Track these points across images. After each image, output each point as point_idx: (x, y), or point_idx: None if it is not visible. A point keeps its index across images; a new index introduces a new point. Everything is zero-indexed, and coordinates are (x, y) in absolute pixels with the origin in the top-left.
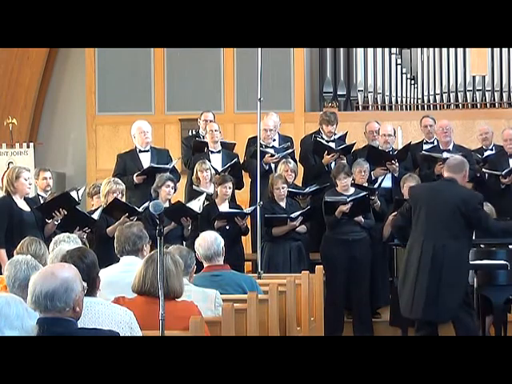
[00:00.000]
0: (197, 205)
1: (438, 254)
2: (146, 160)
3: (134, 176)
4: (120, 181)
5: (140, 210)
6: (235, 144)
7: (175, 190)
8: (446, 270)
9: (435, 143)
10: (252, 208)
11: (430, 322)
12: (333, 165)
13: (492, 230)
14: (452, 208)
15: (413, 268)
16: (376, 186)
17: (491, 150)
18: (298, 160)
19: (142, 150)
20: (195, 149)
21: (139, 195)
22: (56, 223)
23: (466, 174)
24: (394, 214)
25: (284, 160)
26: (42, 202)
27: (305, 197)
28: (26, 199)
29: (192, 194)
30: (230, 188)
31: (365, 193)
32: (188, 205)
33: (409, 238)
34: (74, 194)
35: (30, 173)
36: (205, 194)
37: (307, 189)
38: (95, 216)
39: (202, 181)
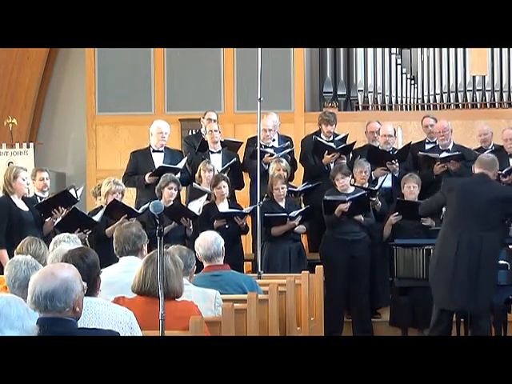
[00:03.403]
0: (197, 206)
1: (475, 246)
2: (158, 160)
3: (146, 176)
4: (120, 181)
5: (139, 211)
6: (242, 143)
7: (179, 192)
8: (484, 262)
9: (437, 143)
10: (251, 207)
11: (449, 317)
12: (332, 165)
13: None
14: (489, 202)
15: (449, 260)
16: (377, 187)
17: (491, 149)
18: (298, 160)
19: (156, 149)
20: (201, 147)
21: (149, 195)
22: (55, 221)
23: (496, 173)
24: (394, 214)
25: (276, 159)
26: (39, 201)
27: (297, 195)
28: (24, 199)
29: (193, 192)
30: (224, 187)
31: (364, 192)
32: (189, 205)
33: (440, 230)
34: (72, 191)
35: (28, 172)
36: (206, 195)
37: (299, 187)
38: (97, 217)
39: (204, 180)
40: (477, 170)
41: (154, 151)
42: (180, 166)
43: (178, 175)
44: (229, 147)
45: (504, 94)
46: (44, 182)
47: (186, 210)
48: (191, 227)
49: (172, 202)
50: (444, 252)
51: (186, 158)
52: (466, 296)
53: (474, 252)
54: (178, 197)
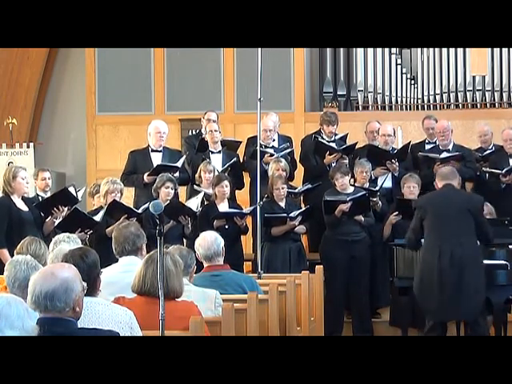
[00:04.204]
0: (195, 203)
1: (456, 253)
2: (157, 160)
3: (145, 176)
4: (118, 180)
5: (139, 211)
6: (241, 142)
7: (176, 191)
8: (468, 268)
9: (437, 143)
10: (251, 208)
11: (444, 324)
12: (333, 165)
13: (489, 236)
14: (460, 209)
15: (433, 272)
16: (377, 188)
17: (491, 149)
18: (298, 160)
19: (155, 149)
20: (200, 147)
21: (148, 194)
22: (55, 220)
23: (460, 182)
24: (394, 213)
25: (275, 159)
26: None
27: (297, 196)
28: (24, 199)
29: (193, 192)
30: (226, 186)
31: (364, 192)
32: (186, 203)
33: (423, 246)
34: (71, 189)
35: (28, 172)
36: (203, 192)
37: (299, 188)
38: (98, 218)
39: (204, 181)
40: (439, 183)
41: (152, 151)
42: (179, 164)
43: (177, 174)
44: (228, 147)
45: (504, 94)
46: (46, 182)
47: (184, 208)
48: (190, 225)
49: (170, 201)
50: (427, 266)
51: (185, 156)
52: (456, 306)
53: (456, 261)
54: (177, 197)
